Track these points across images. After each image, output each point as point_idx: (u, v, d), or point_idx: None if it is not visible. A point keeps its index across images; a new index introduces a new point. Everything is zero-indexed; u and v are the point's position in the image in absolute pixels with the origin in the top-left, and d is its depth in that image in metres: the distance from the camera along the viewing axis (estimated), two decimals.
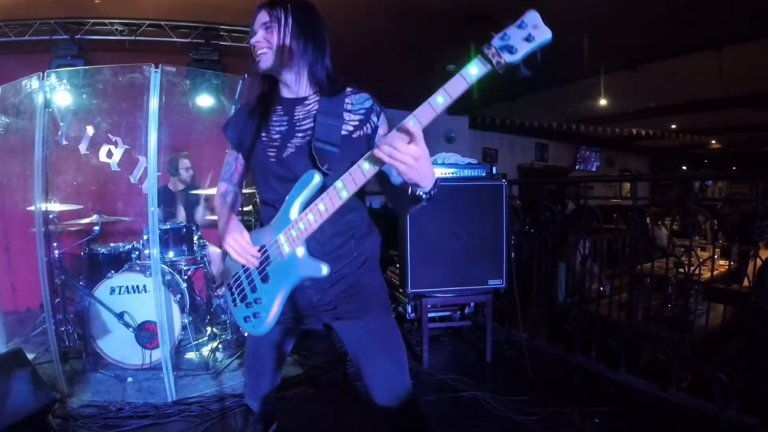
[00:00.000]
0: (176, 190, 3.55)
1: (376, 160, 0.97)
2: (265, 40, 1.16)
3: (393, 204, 1.25)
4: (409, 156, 0.91)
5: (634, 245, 2.79)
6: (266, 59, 1.17)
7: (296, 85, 1.22)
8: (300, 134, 1.19)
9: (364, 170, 1.01)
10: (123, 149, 2.60)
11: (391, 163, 0.92)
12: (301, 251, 1.13)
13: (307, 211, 1.10)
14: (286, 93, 1.24)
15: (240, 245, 1.15)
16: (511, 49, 0.86)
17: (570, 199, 4.47)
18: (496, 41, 0.88)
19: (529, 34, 0.86)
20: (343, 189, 1.04)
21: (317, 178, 1.11)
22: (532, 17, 0.87)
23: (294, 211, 1.13)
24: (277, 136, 1.20)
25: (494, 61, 0.88)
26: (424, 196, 1.00)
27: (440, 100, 0.91)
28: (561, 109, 6.58)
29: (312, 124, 1.18)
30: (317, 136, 1.15)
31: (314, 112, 1.20)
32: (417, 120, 0.93)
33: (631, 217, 2.59)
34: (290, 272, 1.14)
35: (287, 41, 1.16)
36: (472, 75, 0.90)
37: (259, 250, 1.17)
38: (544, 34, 0.87)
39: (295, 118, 1.21)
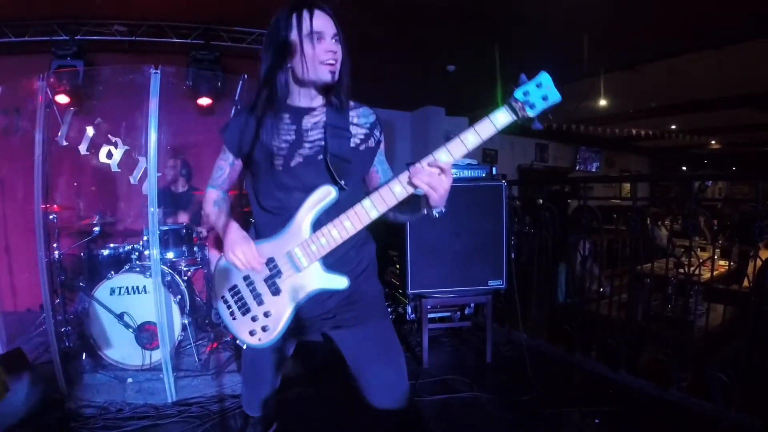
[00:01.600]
0: (177, 191, 3.55)
1: (409, 185, 1.05)
2: (338, 53, 1.12)
3: (395, 212, 1.19)
4: (442, 188, 1.02)
5: (634, 245, 2.78)
6: (337, 74, 1.13)
7: (314, 95, 1.19)
8: (308, 144, 1.17)
9: (395, 193, 1.07)
10: (123, 150, 2.60)
11: (427, 192, 1.02)
12: (318, 265, 1.14)
13: (331, 226, 1.10)
14: (294, 101, 1.19)
15: (250, 258, 1.12)
16: (532, 106, 1.01)
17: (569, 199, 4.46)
18: (520, 95, 1.01)
19: (545, 95, 1.01)
20: (373, 208, 1.08)
21: (334, 193, 1.11)
22: (546, 79, 1.02)
23: (305, 225, 1.12)
24: (285, 144, 1.16)
25: (520, 114, 1.02)
26: (437, 215, 1.11)
27: (471, 138, 1.03)
28: (561, 109, 6.57)
29: (321, 136, 1.17)
30: (331, 150, 1.14)
31: (322, 123, 1.18)
32: (449, 152, 1.02)
33: (631, 218, 2.59)
34: (306, 285, 1.14)
35: (344, 56, 1.15)
36: (500, 121, 1.03)
37: (267, 263, 1.15)
38: (556, 96, 1.01)
39: (303, 127, 1.18)
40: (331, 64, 1.11)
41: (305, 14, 1.08)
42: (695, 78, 5.16)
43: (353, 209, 1.08)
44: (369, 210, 1.08)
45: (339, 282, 1.14)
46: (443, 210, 1.10)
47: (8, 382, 1.34)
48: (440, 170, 1.02)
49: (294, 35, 1.09)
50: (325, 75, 1.11)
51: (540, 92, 1.01)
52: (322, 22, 1.10)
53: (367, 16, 3.44)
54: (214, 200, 1.30)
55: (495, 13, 3.61)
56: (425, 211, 1.10)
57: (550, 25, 3.70)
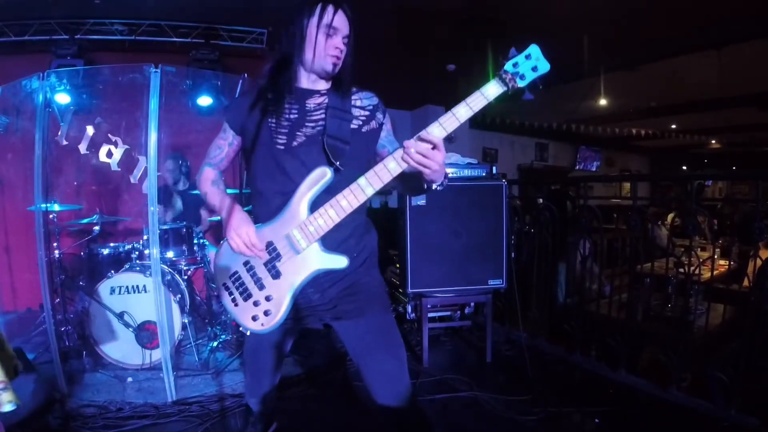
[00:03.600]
0: (177, 190, 3.55)
1: (402, 161, 1.07)
2: (343, 52, 1.21)
3: (401, 189, 1.28)
4: (435, 162, 1.03)
5: (634, 245, 2.78)
6: (337, 68, 1.21)
7: (318, 80, 1.25)
8: (310, 124, 1.20)
9: (390, 169, 1.09)
10: (123, 149, 2.60)
11: (419, 168, 1.04)
12: (317, 246, 1.15)
13: (328, 206, 1.12)
14: (301, 83, 1.24)
15: (249, 240, 1.14)
16: (522, 77, 1.05)
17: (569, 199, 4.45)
18: (510, 67, 1.05)
19: (535, 66, 1.05)
20: (368, 186, 1.11)
21: (329, 174, 1.13)
22: (536, 51, 1.05)
23: (303, 206, 1.14)
24: (287, 123, 1.20)
25: (510, 85, 1.06)
26: (438, 188, 1.13)
27: (462, 111, 1.06)
28: (561, 109, 6.57)
29: (323, 116, 1.20)
30: (329, 132, 1.17)
31: (325, 105, 1.22)
32: (442, 127, 1.05)
33: (631, 217, 2.59)
34: (306, 267, 1.15)
35: (350, 56, 1.23)
36: (490, 92, 1.06)
37: (266, 247, 1.16)
38: (545, 66, 1.05)
39: (307, 108, 1.22)
40: (335, 57, 1.18)
41: (330, 9, 1.17)
42: (695, 78, 5.16)
43: (349, 188, 1.12)
44: (365, 187, 1.11)
45: (338, 261, 1.15)
46: (444, 184, 1.12)
47: (18, 366, 1.35)
48: (432, 145, 1.03)
49: (313, 23, 1.17)
50: (327, 65, 1.19)
51: (529, 63, 1.04)
52: (340, 21, 1.19)
53: (368, 16, 3.44)
54: (212, 180, 1.31)
55: (495, 13, 3.61)
56: (425, 185, 1.13)
57: (551, 25, 3.70)
